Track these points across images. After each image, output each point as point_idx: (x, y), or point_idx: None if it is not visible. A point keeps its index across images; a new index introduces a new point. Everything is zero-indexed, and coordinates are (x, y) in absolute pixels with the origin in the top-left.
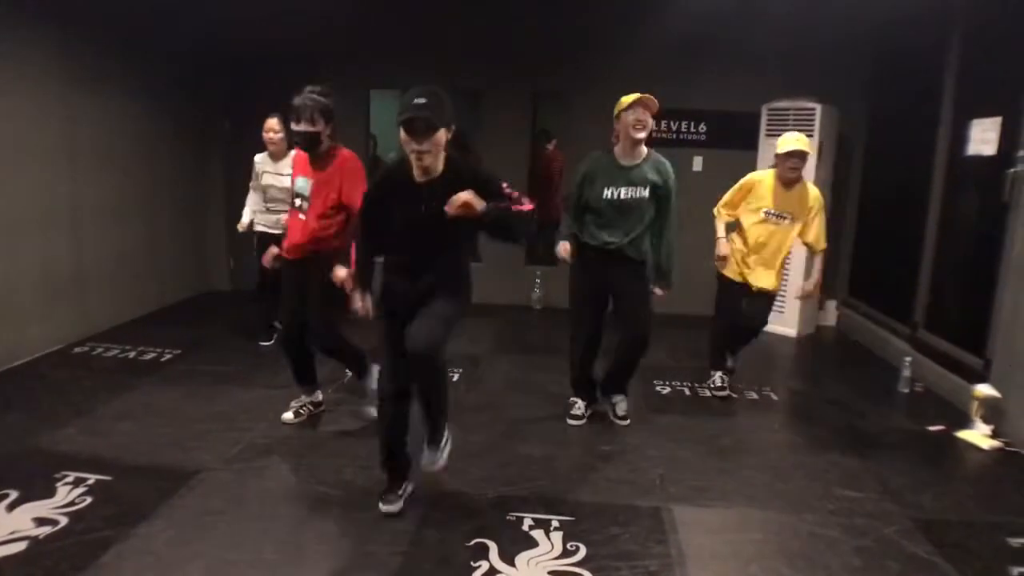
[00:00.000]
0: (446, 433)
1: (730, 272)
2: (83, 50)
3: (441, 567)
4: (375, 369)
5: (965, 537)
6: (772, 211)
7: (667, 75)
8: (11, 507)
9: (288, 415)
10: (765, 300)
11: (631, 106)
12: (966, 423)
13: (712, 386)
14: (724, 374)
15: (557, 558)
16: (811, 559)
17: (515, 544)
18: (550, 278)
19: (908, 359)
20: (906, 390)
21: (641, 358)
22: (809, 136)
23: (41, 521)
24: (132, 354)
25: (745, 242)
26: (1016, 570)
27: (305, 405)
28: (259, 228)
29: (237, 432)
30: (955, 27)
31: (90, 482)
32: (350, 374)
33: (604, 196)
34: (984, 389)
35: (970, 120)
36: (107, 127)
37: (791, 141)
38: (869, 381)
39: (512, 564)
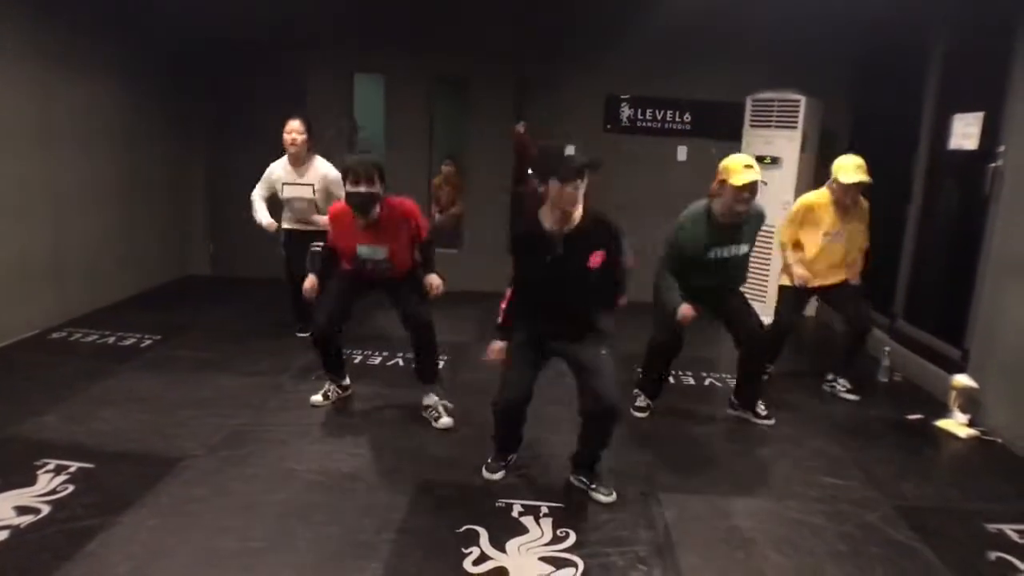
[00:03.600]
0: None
1: (789, 280)
2: (59, 28)
3: (431, 553)
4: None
5: (944, 523)
6: (832, 232)
7: (653, 64)
8: None
9: (317, 397)
10: (852, 296)
11: (741, 187)
12: (944, 412)
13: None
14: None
15: (547, 544)
16: (796, 544)
17: (505, 530)
18: None
19: (887, 349)
20: (885, 380)
21: (764, 360)
22: (792, 128)
23: (23, 510)
24: (111, 340)
25: (808, 258)
26: (993, 554)
27: (334, 390)
28: (287, 226)
29: (220, 419)
30: (940, 21)
31: (72, 470)
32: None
33: (708, 256)
34: (962, 379)
35: (952, 115)
36: (85, 108)
37: (853, 170)
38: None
39: (503, 550)
